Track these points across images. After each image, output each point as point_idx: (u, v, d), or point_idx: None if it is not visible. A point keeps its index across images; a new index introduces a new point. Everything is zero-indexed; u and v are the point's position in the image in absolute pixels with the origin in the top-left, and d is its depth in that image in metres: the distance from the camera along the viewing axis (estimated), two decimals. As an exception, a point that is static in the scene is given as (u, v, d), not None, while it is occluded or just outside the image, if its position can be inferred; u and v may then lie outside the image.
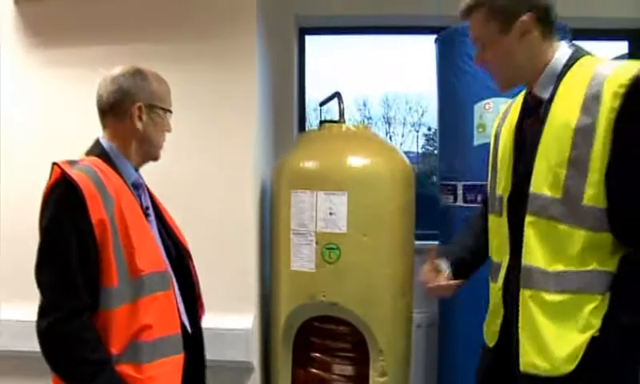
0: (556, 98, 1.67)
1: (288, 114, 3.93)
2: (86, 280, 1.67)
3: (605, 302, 1.60)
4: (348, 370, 2.84)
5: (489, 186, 2.01)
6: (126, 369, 1.70)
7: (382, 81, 5.23)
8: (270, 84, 3.49)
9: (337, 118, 3.06)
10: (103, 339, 1.68)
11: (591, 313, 1.60)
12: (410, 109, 7.26)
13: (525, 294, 1.70)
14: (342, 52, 4.54)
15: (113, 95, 1.89)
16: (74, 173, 1.69)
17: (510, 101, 2.02)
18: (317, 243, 2.72)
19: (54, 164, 1.76)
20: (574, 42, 1.77)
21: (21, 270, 2.70)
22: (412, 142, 5.98)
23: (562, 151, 1.61)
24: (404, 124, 6.98)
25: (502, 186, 1.89)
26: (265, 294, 3.06)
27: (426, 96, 5.11)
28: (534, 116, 1.77)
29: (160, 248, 1.89)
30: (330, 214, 2.69)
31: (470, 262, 2.09)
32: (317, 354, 2.88)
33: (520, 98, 1.92)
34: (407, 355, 2.96)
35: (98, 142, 1.93)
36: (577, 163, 1.58)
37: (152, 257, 1.80)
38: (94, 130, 2.63)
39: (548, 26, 1.72)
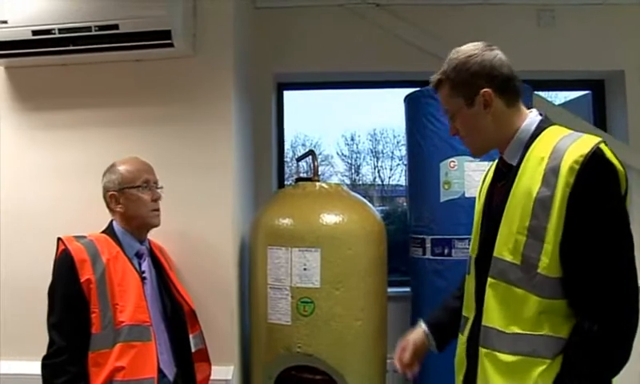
0: (522, 166, 1.73)
1: (268, 166, 4.10)
2: (72, 326, 2.19)
3: (554, 365, 1.65)
4: (325, 416, 2.94)
5: None
6: None
7: (370, 115, 5.30)
8: (249, 140, 3.64)
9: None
10: (91, 375, 2.17)
11: (540, 375, 1.65)
12: (398, 142, 7.31)
13: (482, 352, 1.77)
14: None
15: (102, 193, 2.49)
16: (72, 245, 2.27)
17: (490, 163, 2.06)
18: (292, 297, 2.85)
19: (59, 239, 2.33)
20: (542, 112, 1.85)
21: (20, 326, 2.87)
22: (400, 176, 6.03)
23: (523, 219, 1.67)
24: (392, 158, 7.05)
25: (472, 247, 1.98)
26: (244, 346, 3.16)
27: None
28: (504, 181, 1.84)
29: (147, 306, 2.30)
30: (305, 269, 2.82)
31: (449, 322, 2.15)
32: (294, 402, 2.99)
33: (495, 161, 1.99)
34: (381, 401, 3.08)
35: (110, 223, 2.48)
36: (535, 232, 1.65)
37: (134, 312, 2.26)
38: (80, 190, 2.82)
39: (510, 95, 1.80)
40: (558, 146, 1.65)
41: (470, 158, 2.96)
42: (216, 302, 2.91)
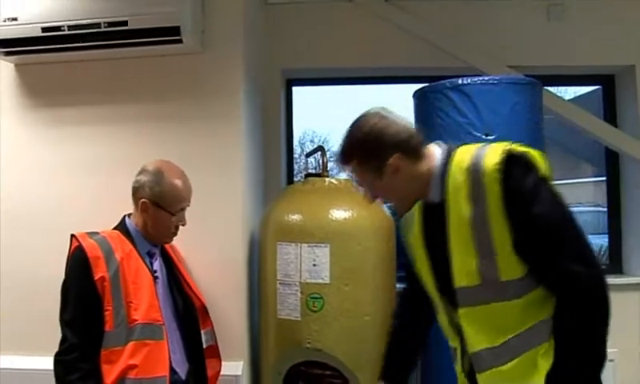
0: (447, 199, 1.79)
1: (277, 162, 4.10)
2: (85, 324, 2.17)
3: (552, 343, 1.72)
4: (334, 411, 2.94)
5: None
6: None
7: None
8: (259, 136, 3.65)
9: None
10: (103, 372, 2.15)
11: (542, 357, 1.72)
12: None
13: (482, 377, 1.83)
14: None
15: (133, 185, 2.42)
16: (86, 241, 2.24)
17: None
18: (301, 293, 2.85)
19: (72, 236, 2.29)
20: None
21: (20, 322, 2.89)
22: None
23: (466, 243, 1.75)
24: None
25: (429, 288, 2.03)
26: (254, 341, 3.16)
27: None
28: (436, 219, 1.87)
29: (159, 304, 2.28)
30: (314, 265, 2.82)
31: (407, 370, 2.29)
32: (304, 398, 2.99)
33: (417, 206, 2.02)
34: (390, 396, 3.07)
35: (122, 219, 2.45)
36: (483, 250, 1.72)
37: (148, 310, 2.24)
38: (90, 187, 2.83)
39: (414, 152, 1.83)
40: (473, 165, 1.72)
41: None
42: (225, 297, 2.91)
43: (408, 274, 2.23)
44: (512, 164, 1.67)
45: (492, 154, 1.70)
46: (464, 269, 1.77)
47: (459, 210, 1.74)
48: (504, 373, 1.76)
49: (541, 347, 1.73)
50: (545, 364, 1.71)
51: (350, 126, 1.88)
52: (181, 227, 2.53)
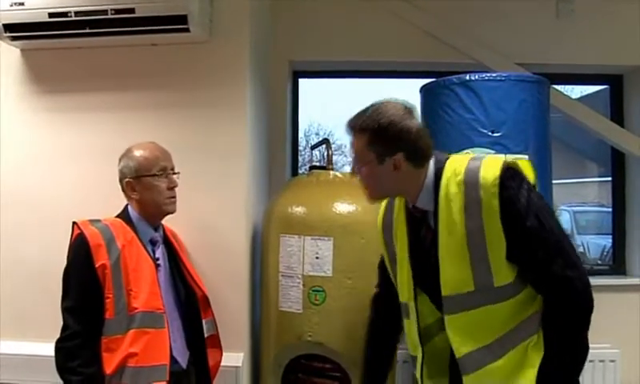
0: (440, 208, 1.82)
1: (282, 154, 4.09)
2: (86, 311, 2.18)
3: (540, 335, 1.78)
4: (333, 405, 2.93)
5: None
6: None
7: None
8: (264, 127, 3.63)
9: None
10: (103, 360, 2.16)
11: (531, 349, 1.78)
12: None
13: (469, 378, 1.85)
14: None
15: (118, 177, 2.44)
16: (88, 229, 2.25)
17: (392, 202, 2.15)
18: (304, 285, 2.84)
19: (74, 223, 2.31)
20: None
21: (20, 308, 2.88)
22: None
23: (460, 252, 1.78)
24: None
25: (404, 294, 2.05)
26: (254, 333, 3.16)
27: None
28: (424, 226, 1.93)
29: (160, 293, 2.28)
30: (317, 258, 2.81)
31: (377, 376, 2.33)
32: (304, 390, 2.98)
33: (400, 205, 2.06)
34: (390, 390, 3.07)
35: (125, 207, 2.46)
36: (478, 260, 1.76)
37: (148, 299, 2.24)
38: (94, 173, 2.83)
39: (420, 160, 1.86)
40: (469, 178, 1.77)
41: (487, 150, 2.94)
42: (227, 289, 2.91)
43: (381, 277, 2.32)
44: (508, 178, 1.72)
45: (489, 167, 1.75)
46: (455, 277, 1.81)
47: (452, 220, 1.78)
48: (495, 370, 1.79)
49: (531, 339, 1.78)
50: (535, 356, 1.76)
51: (380, 104, 1.88)
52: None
